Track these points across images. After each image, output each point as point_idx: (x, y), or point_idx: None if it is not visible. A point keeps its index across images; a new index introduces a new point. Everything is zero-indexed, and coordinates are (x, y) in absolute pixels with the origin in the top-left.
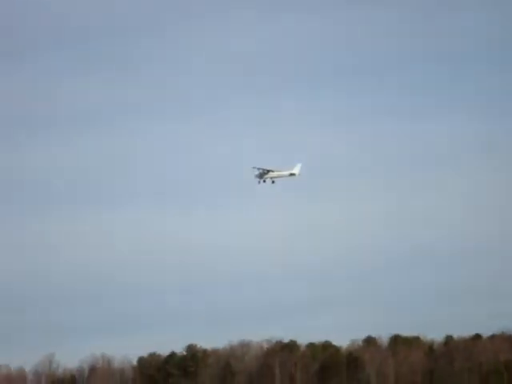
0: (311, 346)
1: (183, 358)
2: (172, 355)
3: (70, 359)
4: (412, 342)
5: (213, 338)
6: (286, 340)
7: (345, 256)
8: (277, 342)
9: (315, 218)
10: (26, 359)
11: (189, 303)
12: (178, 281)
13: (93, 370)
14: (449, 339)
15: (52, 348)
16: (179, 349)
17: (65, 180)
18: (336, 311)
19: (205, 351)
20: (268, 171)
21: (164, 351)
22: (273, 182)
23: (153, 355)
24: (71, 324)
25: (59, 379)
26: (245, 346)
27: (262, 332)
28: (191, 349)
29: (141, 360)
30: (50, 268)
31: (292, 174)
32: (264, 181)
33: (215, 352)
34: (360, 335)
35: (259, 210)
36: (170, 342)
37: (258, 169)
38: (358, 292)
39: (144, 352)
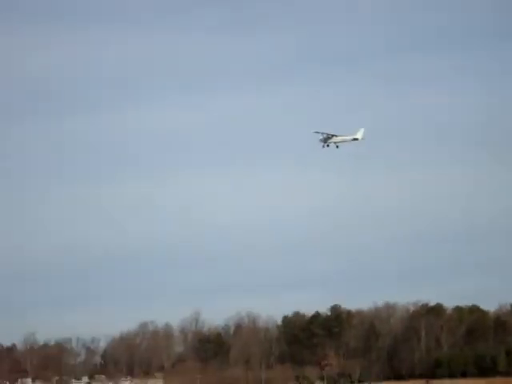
0: (458, 309)
1: (327, 318)
2: (316, 315)
3: (216, 317)
4: None
5: (357, 300)
6: (432, 303)
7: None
8: (422, 305)
9: None
10: (172, 316)
11: (333, 264)
12: (324, 242)
13: (238, 328)
14: None
15: (198, 306)
16: (323, 309)
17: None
18: (482, 276)
19: (349, 312)
20: (332, 136)
21: (308, 311)
22: (337, 146)
23: (297, 315)
24: (217, 282)
25: (205, 336)
26: (390, 308)
27: (407, 294)
28: (335, 309)
29: (285, 319)
30: (193, 229)
31: (355, 139)
32: (328, 145)
33: (360, 313)
34: (508, 300)
35: None
36: (314, 302)
37: (322, 133)
38: (504, 258)
39: (288, 311)
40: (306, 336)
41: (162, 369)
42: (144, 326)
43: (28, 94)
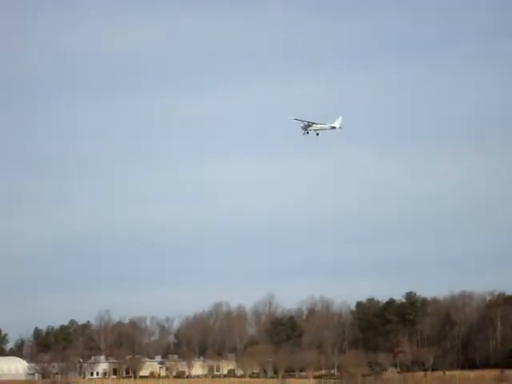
0: None
1: (402, 305)
2: (390, 302)
3: (289, 301)
4: None
5: (433, 287)
6: (508, 292)
7: None
8: (499, 295)
9: None
10: (246, 298)
11: (409, 250)
12: (402, 228)
13: (311, 312)
14: None
15: (272, 288)
16: (398, 296)
17: None
18: None
19: (424, 300)
20: (312, 123)
21: (382, 297)
22: (317, 134)
23: (371, 301)
24: (292, 266)
25: (278, 319)
26: (466, 296)
27: (483, 283)
28: (410, 297)
29: (359, 305)
30: (268, 211)
31: (333, 127)
32: (308, 132)
33: (435, 301)
34: None
35: None
36: (388, 289)
37: (302, 121)
38: None
39: (362, 297)
40: (379, 322)
41: (234, 350)
42: (218, 306)
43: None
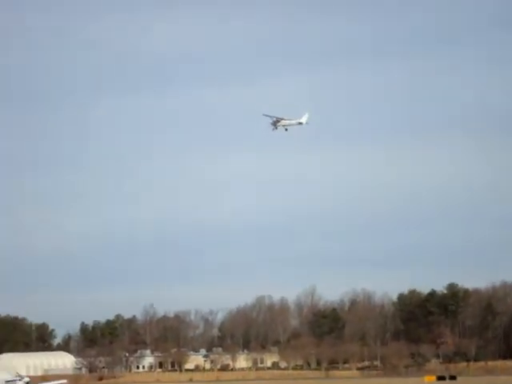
0: None
1: (443, 296)
2: (432, 293)
3: (331, 292)
4: None
5: (474, 278)
6: None
7: None
8: None
9: None
10: (288, 291)
11: (448, 241)
12: (437, 217)
13: (353, 304)
14: None
15: (314, 281)
16: (439, 287)
17: None
18: None
19: (466, 291)
20: (280, 119)
21: (424, 289)
22: (286, 129)
23: (413, 292)
24: (333, 258)
25: (320, 311)
26: (507, 287)
27: None
28: (452, 288)
29: (401, 296)
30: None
31: (300, 123)
32: (276, 128)
33: (476, 292)
34: None
35: None
36: (430, 280)
37: (271, 117)
38: None
39: (404, 289)
40: (421, 314)
41: (277, 343)
42: (261, 299)
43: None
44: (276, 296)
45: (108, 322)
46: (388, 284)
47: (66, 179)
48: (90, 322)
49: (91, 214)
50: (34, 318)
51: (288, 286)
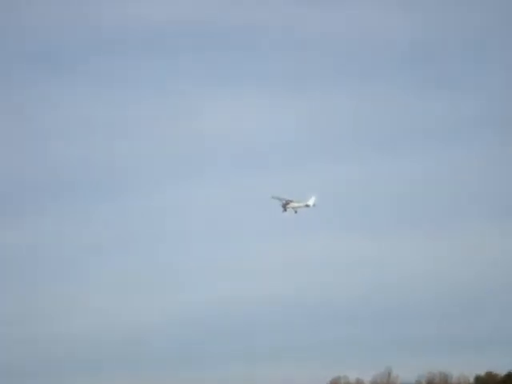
0: None
1: None
2: (509, 375)
3: (408, 374)
4: None
5: None
6: None
7: None
8: None
9: None
10: (364, 372)
11: None
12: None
13: None
14: None
15: (389, 361)
16: None
17: None
18: None
19: None
20: (289, 201)
21: (501, 370)
22: (295, 211)
23: (490, 374)
24: (410, 339)
25: None
26: None
27: None
28: None
29: (478, 378)
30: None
31: (307, 205)
32: (286, 210)
33: None
34: None
35: None
36: (507, 362)
37: (280, 199)
38: None
39: (481, 370)
40: None
41: None
42: (336, 380)
43: None
44: (352, 377)
45: None
46: (465, 366)
47: None
48: None
49: None
50: None
51: (363, 367)
